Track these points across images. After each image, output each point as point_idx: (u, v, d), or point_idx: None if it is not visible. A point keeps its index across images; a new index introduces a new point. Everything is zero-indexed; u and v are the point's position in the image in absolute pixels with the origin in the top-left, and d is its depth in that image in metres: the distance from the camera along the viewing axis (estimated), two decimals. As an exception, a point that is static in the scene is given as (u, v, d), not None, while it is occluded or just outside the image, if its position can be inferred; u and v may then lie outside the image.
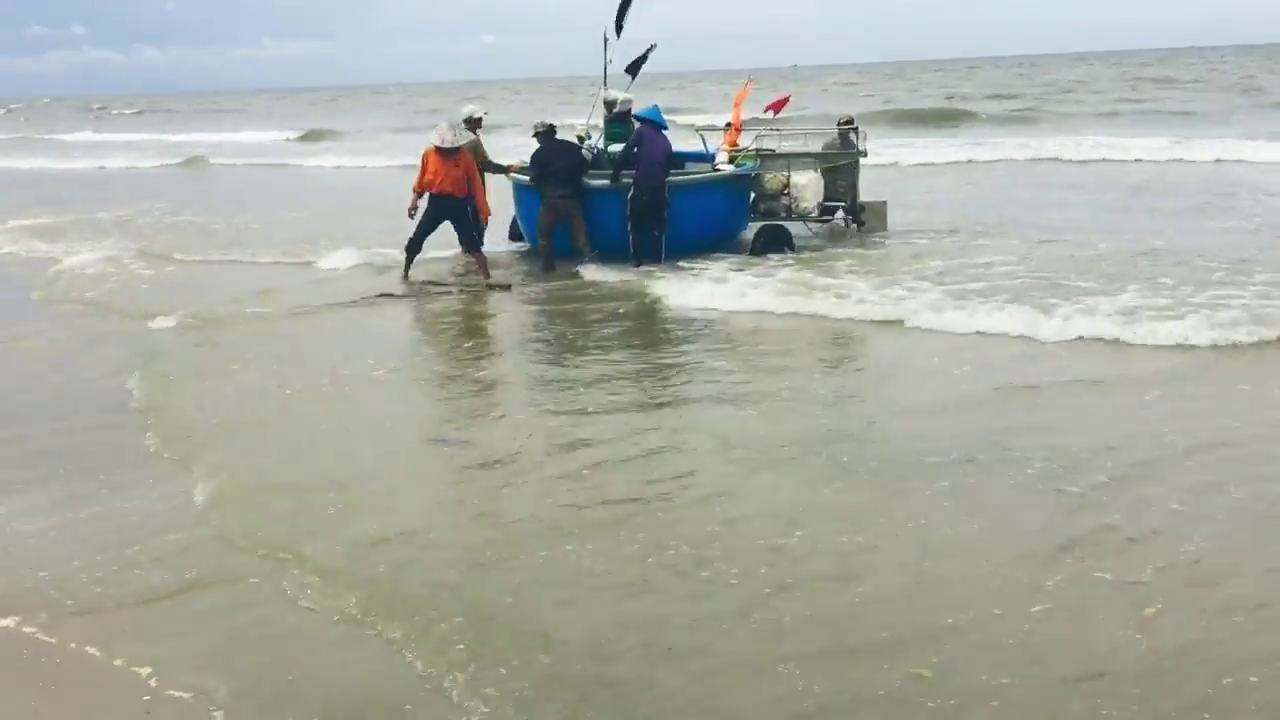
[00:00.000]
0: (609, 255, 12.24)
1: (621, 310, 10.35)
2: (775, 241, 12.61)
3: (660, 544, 5.13)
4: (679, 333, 9.48)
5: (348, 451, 6.63)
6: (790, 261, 11.97)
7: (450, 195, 11.60)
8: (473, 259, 12.09)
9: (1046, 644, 4.19)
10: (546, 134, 12.37)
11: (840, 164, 13.36)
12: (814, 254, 12.60)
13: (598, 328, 9.76)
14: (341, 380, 8.23)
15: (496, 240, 13.82)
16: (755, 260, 12.14)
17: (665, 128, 12.33)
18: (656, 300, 10.62)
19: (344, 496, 5.87)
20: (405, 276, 11.81)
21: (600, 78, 13.67)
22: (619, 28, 13.36)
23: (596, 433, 6.77)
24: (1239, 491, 5.54)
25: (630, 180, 11.93)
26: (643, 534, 5.25)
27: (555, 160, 12.12)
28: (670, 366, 8.35)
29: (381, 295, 11.28)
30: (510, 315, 10.63)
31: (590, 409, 7.26)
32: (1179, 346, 8.12)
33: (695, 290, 10.70)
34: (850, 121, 13.86)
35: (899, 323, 9.26)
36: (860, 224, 13.59)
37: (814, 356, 8.66)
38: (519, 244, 13.70)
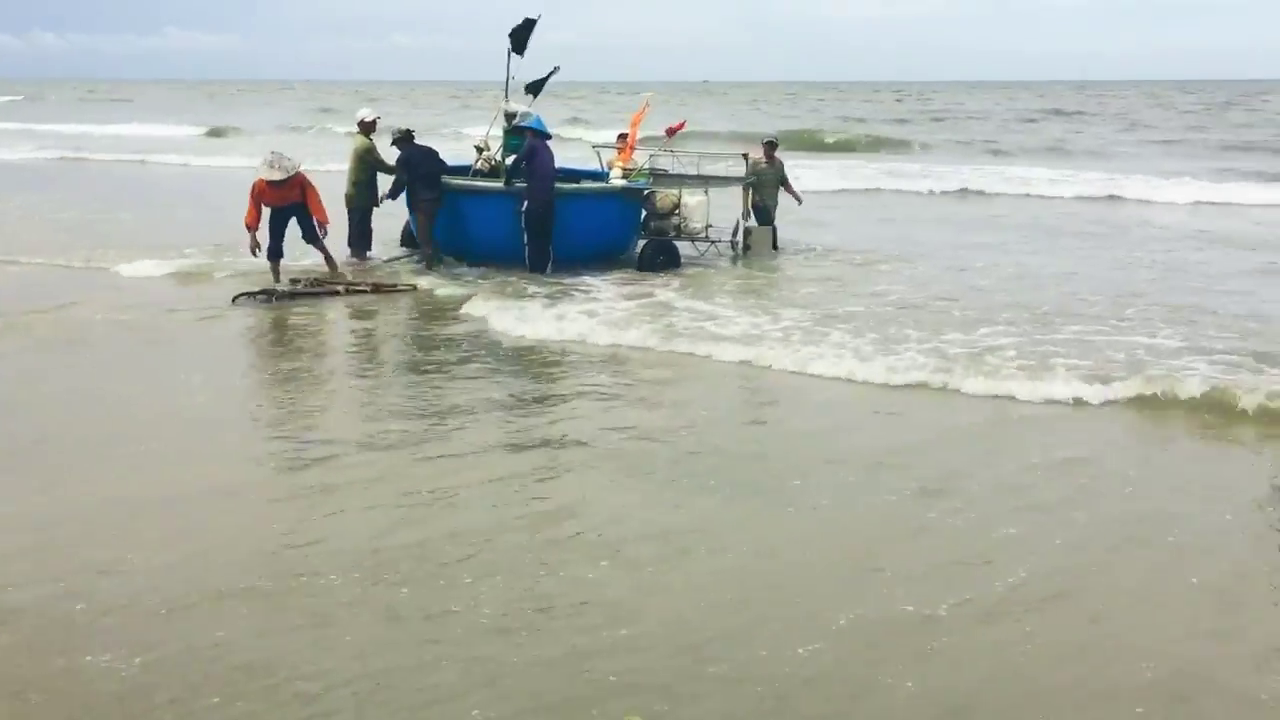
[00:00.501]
0: (496, 264, 12.39)
1: (480, 333, 9.91)
2: (662, 256, 12.78)
3: (428, 579, 4.79)
4: (541, 361, 9.05)
5: (133, 480, 6.08)
6: (672, 282, 12.00)
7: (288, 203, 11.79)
8: (326, 260, 12.18)
9: (789, 692, 3.94)
10: (406, 138, 12.59)
11: (745, 184, 13.65)
12: (702, 270, 12.75)
13: (451, 351, 9.26)
14: (122, 403, 7.62)
15: (386, 244, 13.67)
16: (642, 275, 12.30)
17: (550, 137, 12.52)
18: (517, 325, 10.06)
19: (105, 528, 5.37)
20: (276, 281, 11.71)
21: (502, 89, 13.65)
22: (522, 48, 13.43)
23: (440, 460, 6.40)
24: (1083, 520, 5.55)
25: (523, 189, 12.11)
26: (429, 566, 4.91)
27: (423, 164, 12.35)
28: (530, 394, 7.99)
29: (242, 294, 11.04)
30: (354, 331, 10.30)
31: (437, 437, 6.84)
32: (1008, 398, 7.84)
33: (561, 316, 10.30)
34: (774, 143, 14.24)
35: (748, 361, 8.94)
36: (746, 247, 13.71)
37: (674, 387, 8.25)
38: (409, 249, 13.52)
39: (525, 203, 12.07)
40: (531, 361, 9.04)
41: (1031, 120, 50.81)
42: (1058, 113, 56.33)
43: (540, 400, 7.88)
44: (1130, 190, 22.23)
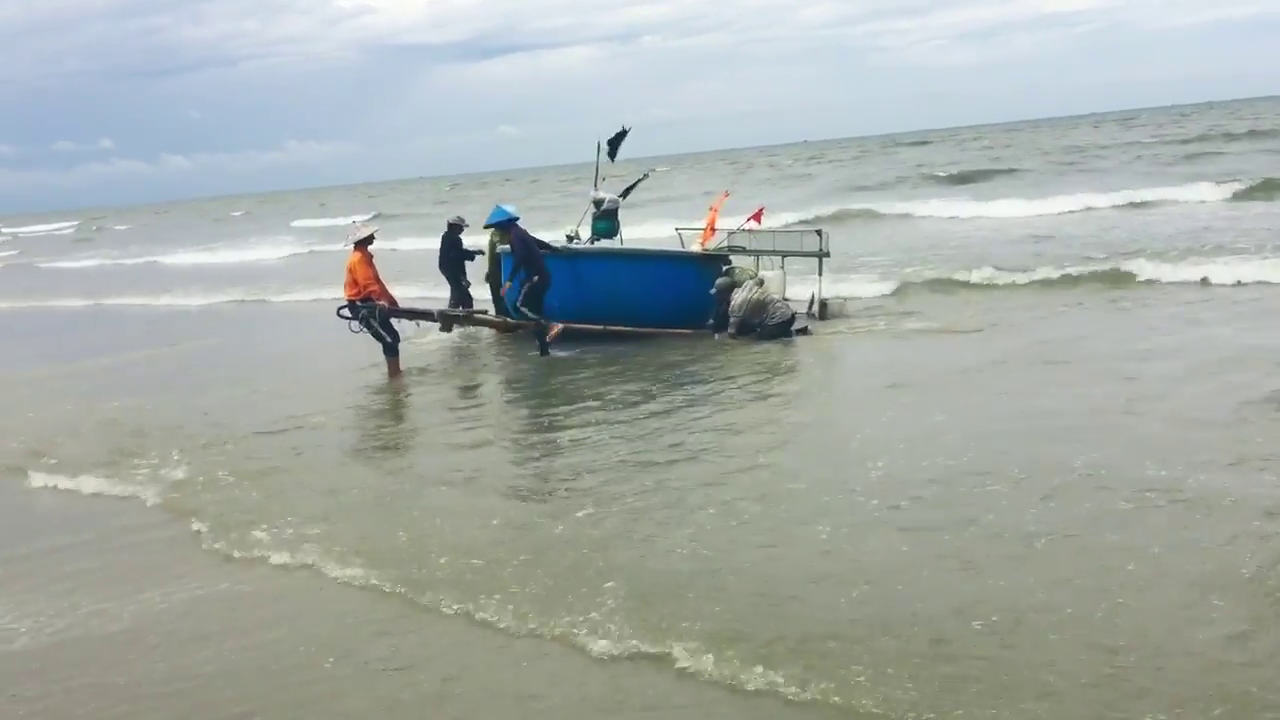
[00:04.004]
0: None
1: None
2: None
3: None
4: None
5: None
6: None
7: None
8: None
9: None
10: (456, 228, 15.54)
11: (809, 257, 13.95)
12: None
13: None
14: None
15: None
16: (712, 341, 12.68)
17: (517, 218, 13.26)
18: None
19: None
20: (396, 375, 12.21)
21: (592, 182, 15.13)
22: (613, 154, 14.82)
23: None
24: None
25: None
26: None
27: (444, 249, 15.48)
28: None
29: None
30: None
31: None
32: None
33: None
34: None
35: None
36: (822, 318, 13.83)
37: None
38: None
39: (535, 279, 12.75)
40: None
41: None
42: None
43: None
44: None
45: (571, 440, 8.69)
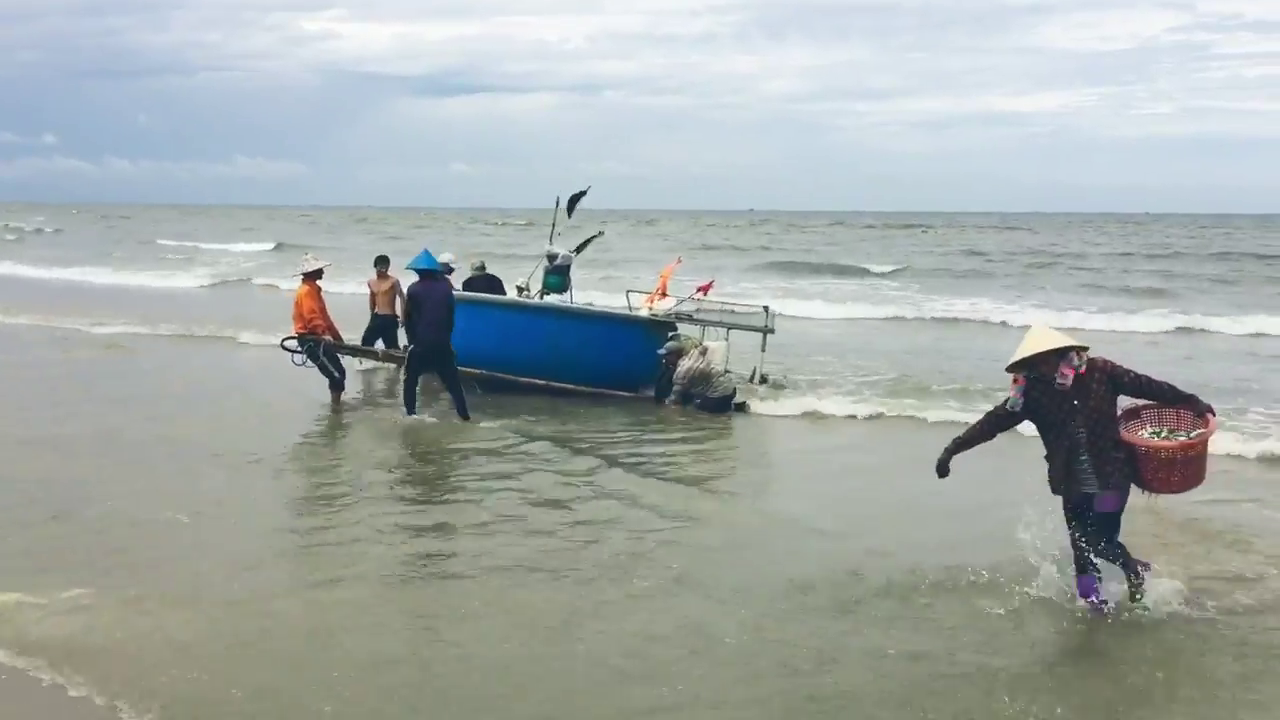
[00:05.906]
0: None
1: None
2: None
3: None
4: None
5: None
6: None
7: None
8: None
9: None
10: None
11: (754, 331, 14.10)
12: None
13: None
14: None
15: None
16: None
17: (439, 270, 12.23)
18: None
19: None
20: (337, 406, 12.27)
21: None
22: (570, 210, 14.83)
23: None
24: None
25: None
26: None
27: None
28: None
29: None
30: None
31: None
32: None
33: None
34: None
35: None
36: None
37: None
38: None
39: (414, 347, 11.70)
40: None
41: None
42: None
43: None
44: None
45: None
